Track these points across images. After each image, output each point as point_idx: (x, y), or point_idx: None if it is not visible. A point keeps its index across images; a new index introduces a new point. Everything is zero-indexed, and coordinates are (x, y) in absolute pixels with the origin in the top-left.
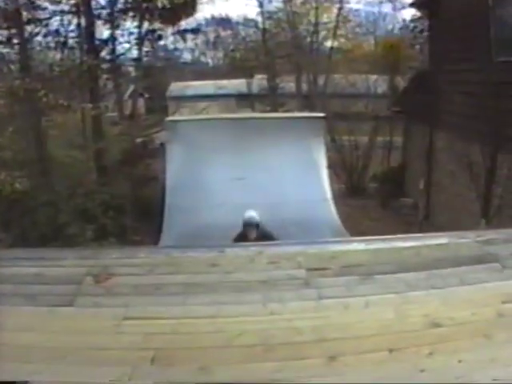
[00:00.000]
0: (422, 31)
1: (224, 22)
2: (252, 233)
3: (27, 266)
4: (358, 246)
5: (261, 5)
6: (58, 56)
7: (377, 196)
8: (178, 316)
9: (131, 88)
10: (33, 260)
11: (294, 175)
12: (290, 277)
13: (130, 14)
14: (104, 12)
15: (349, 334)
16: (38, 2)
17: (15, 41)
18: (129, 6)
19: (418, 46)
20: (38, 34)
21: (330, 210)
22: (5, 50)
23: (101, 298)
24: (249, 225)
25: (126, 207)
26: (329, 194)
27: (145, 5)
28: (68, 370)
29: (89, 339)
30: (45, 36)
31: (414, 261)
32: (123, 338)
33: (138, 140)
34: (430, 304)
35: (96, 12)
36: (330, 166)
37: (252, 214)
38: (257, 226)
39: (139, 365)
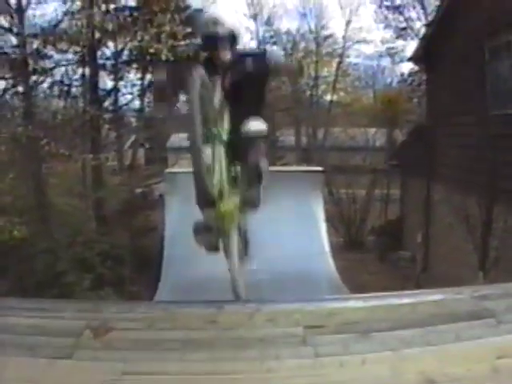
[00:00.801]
0: (419, 85)
1: None
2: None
3: (25, 316)
4: (355, 303)
5: None
6: (62, 104)
7: (375, 249)
8: (176, 372)
9: (132, 138)
10: (31, 310)
11: (292, 228)
12: (287, 334)
13: (134, 65)
14: (108, 63)
15: None
16: (45, 51)
17: (20, 88)
18: (133, 57)
19: (415, 100)
20: (42, 82)
21: (328, 264)
22: (8, 97)
23: (100, 352)
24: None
25: (124, 257)
26: (327, 248)
27: (149, 57)
28: None
29: None
30: (50, 87)
31: (410, 317)
32: None
33: (138, 190)
34: (426, 361)
35: (101, 62)
36: (328, 220)
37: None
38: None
39: None
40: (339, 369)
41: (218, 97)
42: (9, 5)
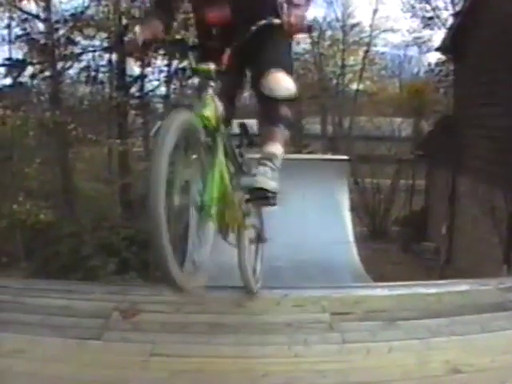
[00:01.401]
0: (447, 75)
1: None
2: None
3: (55, 297)
4: (381, 291)
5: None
6: (88, 90)
7: (398, 240)
8: (204, 355)
9: (158, 124)
10: (61, 292)
11: (316, 217)
12: (314, 320)
13: (161, 52)
14: None
15: (371, 378)
16: (72, 37)
17: (47, 74)
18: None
19: (442, 90)
20: (69, 67)
21: (352, 253)
22: (36, 82)
23: (128, 334)
24: None
25: (149, 242)
26: (351, 237)
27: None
28: None
29: (116, 373)
30: (77, 73)
31: (436, 307)
32: (150, 374)
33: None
34: (451, 350)
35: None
36: (353, 209)
37: None
38: None
39: None
40: (366, 356)
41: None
42: None
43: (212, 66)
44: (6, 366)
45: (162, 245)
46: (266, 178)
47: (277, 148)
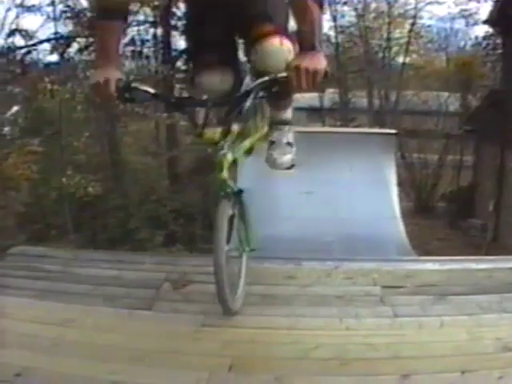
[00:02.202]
0: (494, 48)
1: None
2: None
3: (105, 268)
4: (431, 265)
5: (334, 19)
6: (133, 65)
7: (445, 216)
8: (256, 326)
9: (204, 98)
10: (111, 262)
11: (363, 191)
12: (365, 293)
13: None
14: (180, 23)
15: (423, 353)
16: None
17: (92, 48)
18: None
19: (490, 64)
20: None
21: (398, 228)
22: (83, 57)
23: (179, 304)
24: None
25: (196, 215)
26: (397, 212)
27: None
28: (147, 371)
29: (167, 344)
30: (124, 47)
31: (486, 283)
32: (201, 344)
33: (210, 150)
34: (502, 328)
35: (173, 22)
36: (400, 184)
37: None
38: None
39: (217, 371)
40: (418, 330)
41: None
42: None
43: (217, 134)
44: (57, 335)
45: (223, 282)
46: (284, 149)
47: (287, 112)
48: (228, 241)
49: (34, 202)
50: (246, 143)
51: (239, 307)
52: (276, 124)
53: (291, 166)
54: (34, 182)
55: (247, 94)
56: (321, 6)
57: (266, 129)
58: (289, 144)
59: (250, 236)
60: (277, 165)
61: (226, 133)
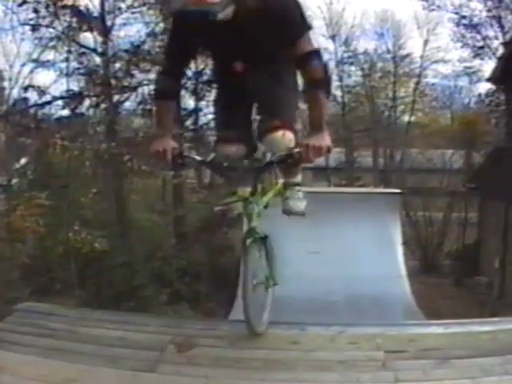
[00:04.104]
0: (498, 105)
1: None
2: None
3: (110, 328)
4: (436, 329)
5: (340, 79)
6: (143, 122)
7: (451, 274)
8: None
9: (211, 157)
10: (116, 323)
11: (368, 250)
12: (368, 358)
13: (214, 85)
14: (189, 83)
15: None
16: (129, 70)
17: (103, 105)
18: (213, 78)
19: (494, 121)
20: (125, 100)
21: (404, 287)
22: (91, 114)
23: (183, 367)
24: None
25: (201, 274)
26: (403, 271)
27: None
28: None
29: None
30: (135, 105)
31: (489, 346)
32: None
33: (217, 208)
34: None
35: (182, 82)
36: (405, 242)
37: None
38: None
39: None
40: None
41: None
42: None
43: (247, 193)
44: None
45: (248, 308)
46: (297, 201)
47: (297, 177)
48: (254, 276)
49: (39, 255)
50: (265, 199)
51: (264, 331)
52: (289, 186)
53: (303, 214)
54: (41, 235)
55: (270, 163)
56: (328, 96)
57: (278, 187)
58: (299, 198)
59: (274, 273)
60: (292, 211)
61: (254, 191)
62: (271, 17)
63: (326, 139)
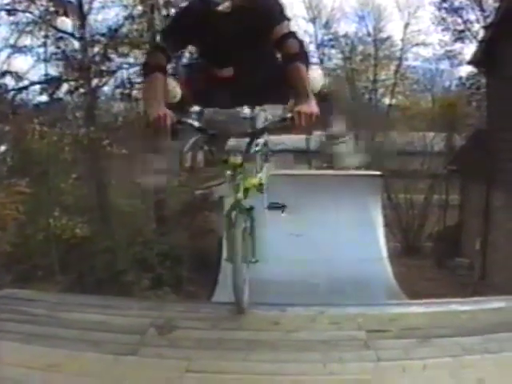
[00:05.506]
0: (478, 88)
1: None
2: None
3: (91, 312)
4: (416, 308)
5: (321, 62)
6: (122, 106)
7: (432, 255)
8: (240, 371)
9: (192, 140)
10: (97, 307)
11: (350, 233)
12: (350, 338)
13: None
14: (169, 66)
15: None
16: (107, 54)
17: (82, 90)
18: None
19: (474, 104)
20: (104, 85)
21: (386, 269)
22: (70, 99)
23: (164, 350)
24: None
25: (183, 258)
26: (384, 253)
27: None
28: None
29: None
30: (113, 89)
31: (470, 325)
32: None
33: (198, 192)
34: (485, 368)
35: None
36: (386, 225)
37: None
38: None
39: None
40: (401, 373)
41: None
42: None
43: (239, 160)
44: (42, 381)
45: (240, 287)
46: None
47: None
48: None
49: (20, 243)
50: (246, 183)
51: (246, 308)
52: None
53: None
54: (21, 222)
55: (264, 129)
56: (307, 67)
57: (257, 180)
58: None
59: (255, 248)
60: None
61: (246, 159)
62: (257, 12)
63: (314, 106)
